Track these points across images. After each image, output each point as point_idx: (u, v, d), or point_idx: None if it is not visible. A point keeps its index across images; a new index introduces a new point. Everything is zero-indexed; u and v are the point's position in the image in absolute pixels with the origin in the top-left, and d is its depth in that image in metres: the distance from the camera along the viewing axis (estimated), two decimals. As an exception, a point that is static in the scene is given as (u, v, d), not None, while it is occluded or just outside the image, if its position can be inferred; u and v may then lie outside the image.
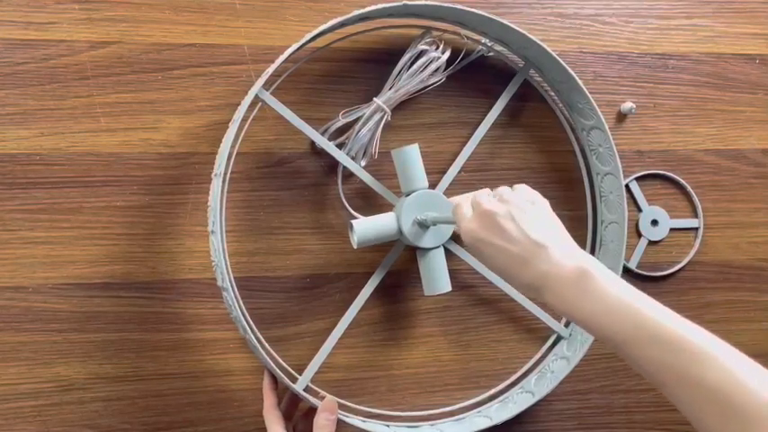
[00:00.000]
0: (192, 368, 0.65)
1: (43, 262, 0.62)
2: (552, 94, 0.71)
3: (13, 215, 0.62)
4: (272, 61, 0.60)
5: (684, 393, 0.43)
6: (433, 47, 0.66)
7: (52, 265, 0.62)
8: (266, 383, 0.60)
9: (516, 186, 0.54)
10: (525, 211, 0.51)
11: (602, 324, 0.47)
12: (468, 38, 0.68)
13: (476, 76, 0.70)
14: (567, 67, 0.66)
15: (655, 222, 0.74)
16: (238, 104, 0.60)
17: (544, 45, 0.65)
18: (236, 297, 0.58)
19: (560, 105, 0.71)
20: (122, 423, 0.64)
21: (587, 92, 0.67)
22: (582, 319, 0.48)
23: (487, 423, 0.66)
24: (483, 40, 0.69)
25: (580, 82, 0.67)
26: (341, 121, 0.65)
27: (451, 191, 0.67)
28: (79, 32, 0.63)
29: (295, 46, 0.59)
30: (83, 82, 0.63)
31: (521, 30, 0.64)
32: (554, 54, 0.66)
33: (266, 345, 0.61)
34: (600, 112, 0.68)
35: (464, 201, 0.56)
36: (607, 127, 0.68)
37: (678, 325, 0.45)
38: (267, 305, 0.66)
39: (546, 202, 0.53)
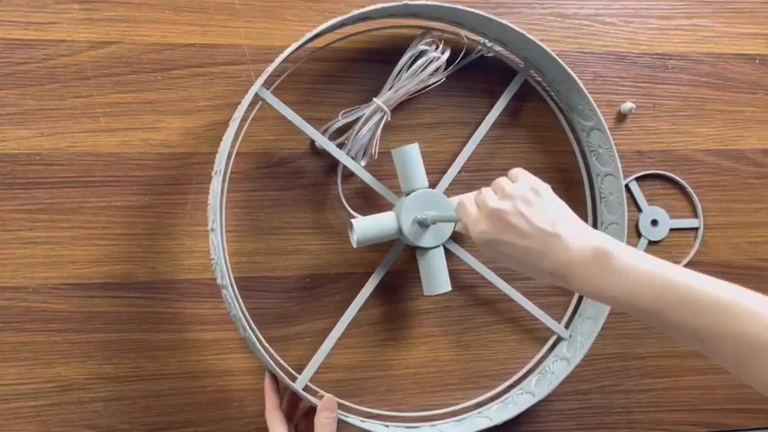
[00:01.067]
0: (191, 368, 0.65)
1: (43, 262, 0.62)
2: (552, 94, 0.71)
3: (13, 215, 0.62)
4: (272, 61, 0.60)
5: (725, 350, 0.44)
6: (433, 47, 0.66)
7: (52, 265, 0.62)
8: (268, 385, 0.60)
9: (514, 174, 0.54)
10: (531, 204, 0.51)
11: (632, 298, 0.47)
12: (467, 38, 0.68)
13: (476, 76, 0.70)
14: (567, 68, 0.66)
15: (655, 222, 0.74)
16: (238, 104, 0.60)
17: (544, 45, 0.65)
18: (235, 295, 0.58)
19: (560, 106, 0.71)
20: (122, 423, 0.63)
21: (587, 92, 0.67)
22: (610, 298, 0.48)
23: (487, 423, 0.66)
24: (482, 41, 0.69)
25: (580, 82, 0.67)
26: (341, 121, 0.65)
27: (451, 191, 0.67)
28: (79, 32, 0.63)
29: (294, 45, 0.59)
30: (83, 82, 0.63)
31: (520, 30, 0.64)
32: (554, 54, 0.66)
33: (265, 343, 0.61)
34: (600, 113, 0.68)
35: (467, 200, 0.55)
36: (607, 128, 0.68)
37: (708, 284, 0.45)
38: (267, 305, 0.66)
39: (547, 187, 0.53)
